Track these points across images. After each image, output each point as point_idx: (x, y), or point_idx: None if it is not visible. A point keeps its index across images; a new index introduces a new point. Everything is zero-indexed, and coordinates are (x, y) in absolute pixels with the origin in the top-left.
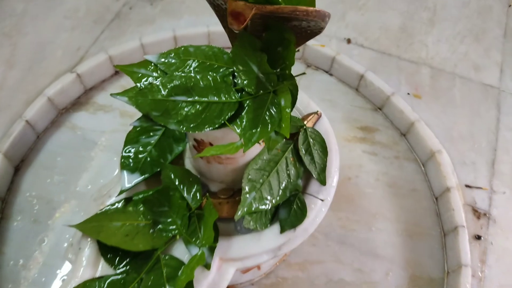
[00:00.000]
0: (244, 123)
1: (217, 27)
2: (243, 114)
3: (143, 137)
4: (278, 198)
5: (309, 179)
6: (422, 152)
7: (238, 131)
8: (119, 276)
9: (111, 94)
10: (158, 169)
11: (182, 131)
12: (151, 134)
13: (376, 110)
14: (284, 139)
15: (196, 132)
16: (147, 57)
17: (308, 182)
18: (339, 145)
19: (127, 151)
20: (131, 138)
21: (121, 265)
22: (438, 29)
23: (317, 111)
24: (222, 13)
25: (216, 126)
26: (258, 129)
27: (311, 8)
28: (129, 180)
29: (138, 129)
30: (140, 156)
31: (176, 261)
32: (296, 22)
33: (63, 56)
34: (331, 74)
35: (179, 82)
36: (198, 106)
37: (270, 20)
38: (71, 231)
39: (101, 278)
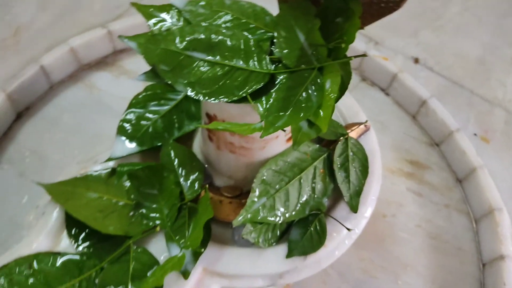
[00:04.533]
0: (271, 101)
1: None
2: (272, 91)
3: (152, 103)
4: (293, 213)
5: (337, 200)
6: (478, 206)
7: (261, 109)
8: (78, 258)
9: (119, 36)
10: (159, 144)
11: (192, 96)
12: (162, 102)
13: (432, 146)
14: (318, 145)
15: (209, 100)
16: (172, 0)
17: (335, 204)
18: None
19: (129, 114)
20: (138, 102)
21: (84, 245)
22: None
23: (366, 121)
24: None
25: (235, 98)
26: (288, 113)
27: None
28: (122, 149)
29: (148, 92)
30: (142, 123)
31: (149, 257)
32: None
33: (100, 11)
34: (387, 94)
35: (202, 35)
36: (218, 69)
37: None
38: None
39: (57, 255)
